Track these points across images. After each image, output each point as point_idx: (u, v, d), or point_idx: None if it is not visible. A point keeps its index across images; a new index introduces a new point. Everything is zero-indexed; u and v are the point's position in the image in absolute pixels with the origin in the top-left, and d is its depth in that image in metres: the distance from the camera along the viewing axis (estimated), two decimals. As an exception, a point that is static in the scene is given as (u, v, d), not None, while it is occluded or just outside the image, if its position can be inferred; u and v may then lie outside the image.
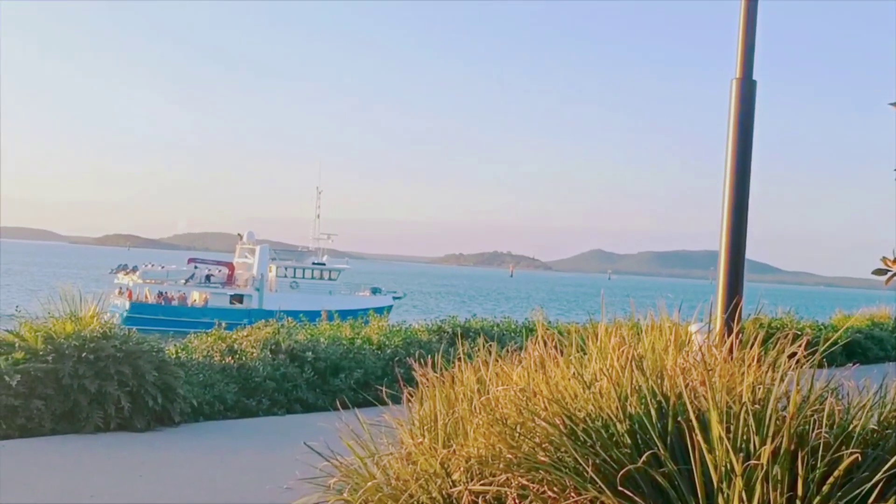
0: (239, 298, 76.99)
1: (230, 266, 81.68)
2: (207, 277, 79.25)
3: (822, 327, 26.03)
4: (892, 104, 6.88)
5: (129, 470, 9.86)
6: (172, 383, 12.33)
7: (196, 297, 76.63)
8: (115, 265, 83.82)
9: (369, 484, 6.10)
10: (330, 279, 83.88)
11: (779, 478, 4.63)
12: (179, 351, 14.41)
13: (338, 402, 8.58)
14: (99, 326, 12.15)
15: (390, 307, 75.85)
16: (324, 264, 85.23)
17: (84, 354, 11.55)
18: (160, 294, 75.27)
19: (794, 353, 5.69)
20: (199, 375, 13.49)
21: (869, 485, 4.58)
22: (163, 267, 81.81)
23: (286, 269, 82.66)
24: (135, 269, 78.54)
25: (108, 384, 11.55)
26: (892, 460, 4.67)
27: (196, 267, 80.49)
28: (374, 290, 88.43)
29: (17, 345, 11.59)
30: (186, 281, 78.08)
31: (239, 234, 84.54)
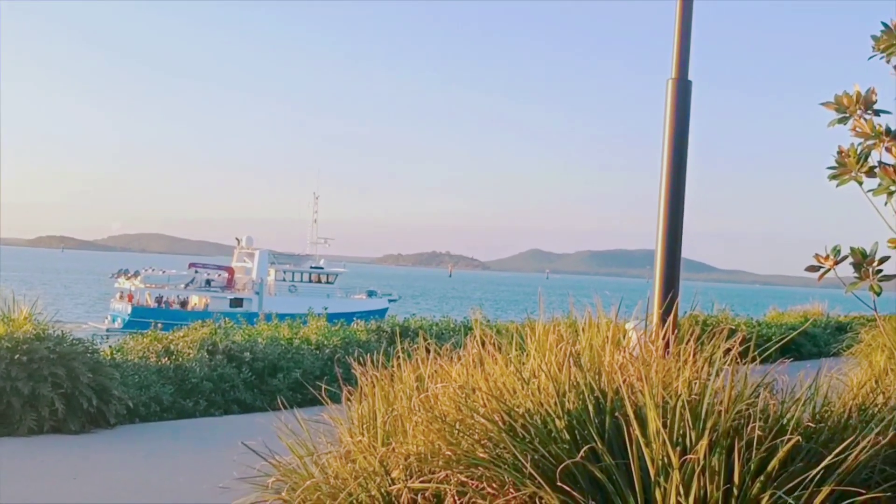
0: (239, 302, 78.12)
1: (230, 270, 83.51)
2: (208, 282, 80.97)
3: (756, 324, 26.48)
4: (822, 104, 7.00)
5: (63, 473, 9.72)
6: (107, 385, 12.18)
7: (196, 300, 77.87)
8: (116, 269, 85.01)
9: (308, 483, 6.07)
10: (328, 282, 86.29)
11: (715, 470, 4.68)
12: (114, 352, 14.25)
13: (276, 402, 8.53)
14: (32, 328, 11.96)
15: (386, 309, 76.75)
16: (322, 268, 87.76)
17: (17, 356, 11.37)
18: (160, 298, 76.55)
19: (730, 349, 5.76)
20: (134, 376, 13.35)
21: (802, 476, 4.65)
22: (164, 272, 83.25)
23: (285, 272, 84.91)
24: (136, 274, 79.93)
25: (42, 386, 11.38)
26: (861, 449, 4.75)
27: (196, 271, 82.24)
28: (370, 293, 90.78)
29: (-53, 347, 11.37)
30: (186, 285, 79.64)
31: (237, 239, 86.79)
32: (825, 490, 4.59)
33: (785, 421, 5.12)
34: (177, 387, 13.82)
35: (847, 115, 6.91)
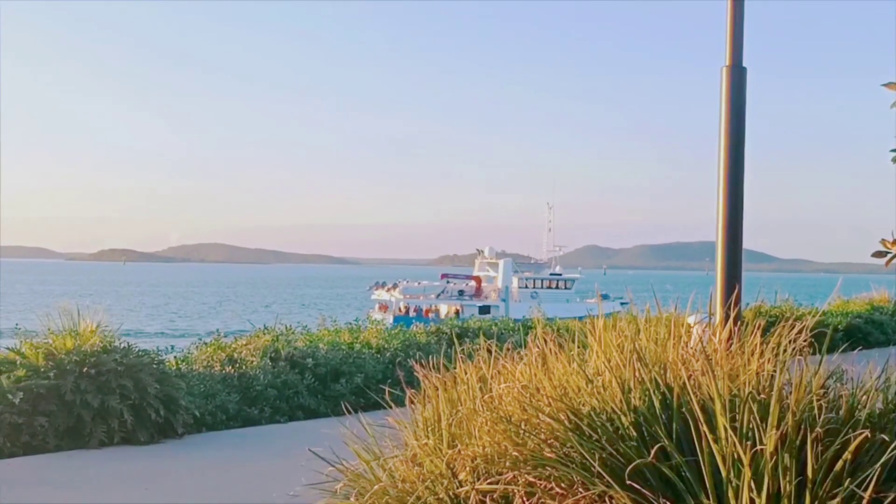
0: (487, 309, 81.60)
1: (477, 279, 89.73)
2: (460, 292, 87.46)
3: (821, 313, 26.05)
4: (884, 85, 6.88)
5: (134, 483, 9.84)
6: (174, 395, 12.31)
7: (447, 309, 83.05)
8: (373, 282, 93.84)
9: (376, 487, 6.08)
10: (566, 288, 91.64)
11: (787, 465, 4.61)
12: (180, 362, 14.39)
13: (340, 408, 8.57)
14: (99, 341, 12.12)
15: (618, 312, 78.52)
16: (560, 275, 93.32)
17: (85, 369, 11.52)
18: (416, 307, 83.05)
19: (795, 340, 5.67)
20: (200, 386, 13.46)
21: (876, 466, 4.57)
22: (419, 283, 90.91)
23: (526, 280, 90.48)
24: (395, 286, 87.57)
25: (111, 398, 11.52)
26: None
27: (448, 282, 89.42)
28: (604, 297, 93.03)
29: (18, 362, 11.55)
30: (438, 295, 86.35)
31: (478, 250, 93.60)
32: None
33: (856, 412, 5.04)
34: (242, 395, 13.92)
35: (909, 96, 6.78)
